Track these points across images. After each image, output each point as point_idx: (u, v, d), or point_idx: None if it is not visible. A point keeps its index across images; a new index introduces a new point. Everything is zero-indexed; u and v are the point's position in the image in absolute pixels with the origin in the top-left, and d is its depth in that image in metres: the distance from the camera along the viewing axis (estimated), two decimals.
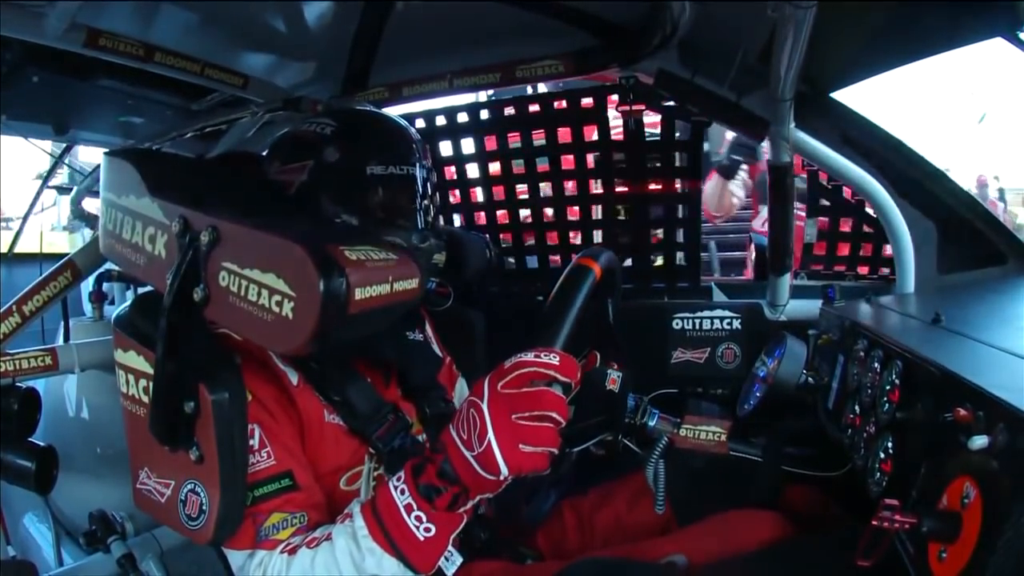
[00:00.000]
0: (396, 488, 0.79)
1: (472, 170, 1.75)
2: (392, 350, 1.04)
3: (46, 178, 2.47)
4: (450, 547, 0.80)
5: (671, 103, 1.48)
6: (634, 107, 1.46)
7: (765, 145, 1.48)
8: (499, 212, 1.80)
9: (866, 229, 1.60)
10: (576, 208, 1.73)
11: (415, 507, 0.77)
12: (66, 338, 1.70)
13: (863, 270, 1.66)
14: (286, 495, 0.86)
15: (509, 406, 0.72)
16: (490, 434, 0.72)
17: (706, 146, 2.58)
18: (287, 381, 0.92)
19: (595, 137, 1.61)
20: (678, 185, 1.61)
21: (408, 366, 1.07)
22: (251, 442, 0.85)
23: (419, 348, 1.13)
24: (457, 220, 1.83)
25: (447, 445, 0.77)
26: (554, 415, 0.73)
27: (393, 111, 1.52)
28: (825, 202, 1.64)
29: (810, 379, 1.18)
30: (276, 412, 0.90)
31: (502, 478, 0.73)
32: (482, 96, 2.60)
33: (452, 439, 0.76)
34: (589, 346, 1.12)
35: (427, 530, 0.77)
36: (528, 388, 0.73)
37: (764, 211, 2.77)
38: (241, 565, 0.85)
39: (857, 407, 0.88)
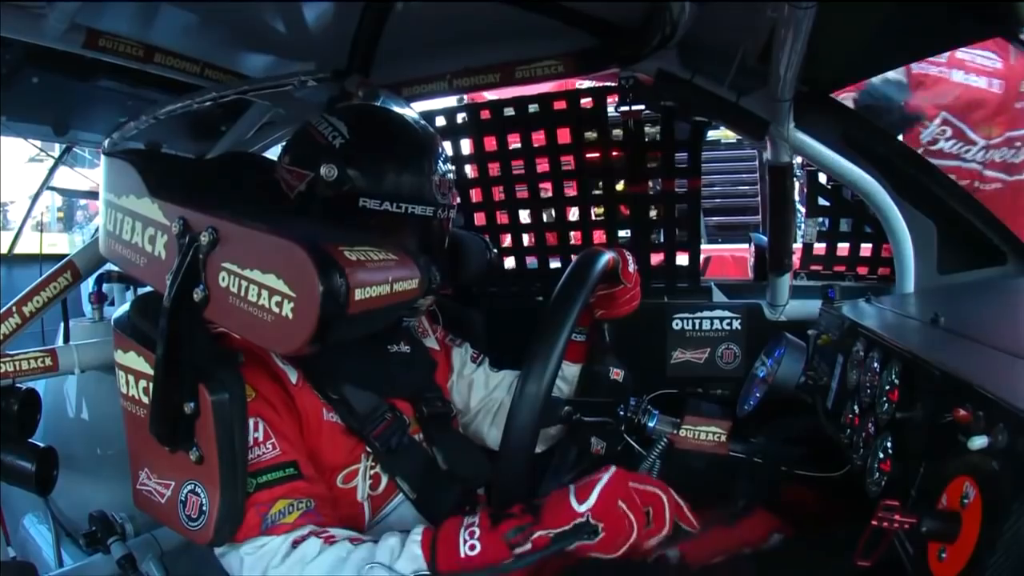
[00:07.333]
0: (467, 517, 0.80)
1: (471, 171, 1.75)
2: (364, 369, 0.99)
3: (46, 179, 2.47)
4: None
5: (671, 103, 1.48)
6: (634, 107, 1.46)
7: None
8: (498, 213, 1.80)
9: (866, 229, 1.60)
10: (576, 208, 1.73)
11: (474, 524, 0.78)
12: (66, 339, 1.69)
13: (863, 270, 1.66)
14: (291, 483, 0.85)
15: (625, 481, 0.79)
16: (602, 480, 0.78)
17: None
18: (286, 380, 0.93)
19: (594, 137, 1.61)
20: (678, 185, 1.61)
21: (389, 382, 1.03)
22: (256, 435, 0.85)
23: (401, 360, 1.07)
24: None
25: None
26: (651, 508, 0.80)
27: None
28: (825, 202, 1.64)
29: (810, 379, 1.17)
30: (279, 408, 0.90)
31: (582, 509, 0.75)
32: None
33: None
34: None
35: (471, 547, 0.76)
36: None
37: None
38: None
39: (856, 407, 0.88)
